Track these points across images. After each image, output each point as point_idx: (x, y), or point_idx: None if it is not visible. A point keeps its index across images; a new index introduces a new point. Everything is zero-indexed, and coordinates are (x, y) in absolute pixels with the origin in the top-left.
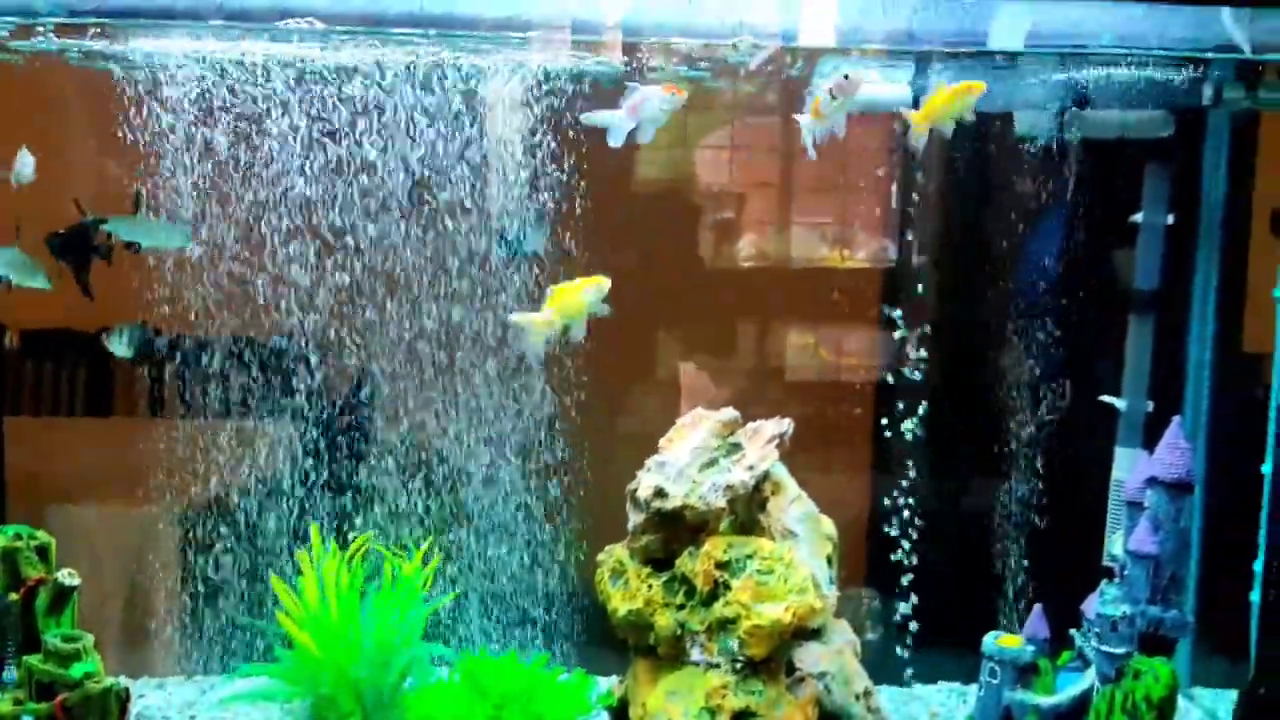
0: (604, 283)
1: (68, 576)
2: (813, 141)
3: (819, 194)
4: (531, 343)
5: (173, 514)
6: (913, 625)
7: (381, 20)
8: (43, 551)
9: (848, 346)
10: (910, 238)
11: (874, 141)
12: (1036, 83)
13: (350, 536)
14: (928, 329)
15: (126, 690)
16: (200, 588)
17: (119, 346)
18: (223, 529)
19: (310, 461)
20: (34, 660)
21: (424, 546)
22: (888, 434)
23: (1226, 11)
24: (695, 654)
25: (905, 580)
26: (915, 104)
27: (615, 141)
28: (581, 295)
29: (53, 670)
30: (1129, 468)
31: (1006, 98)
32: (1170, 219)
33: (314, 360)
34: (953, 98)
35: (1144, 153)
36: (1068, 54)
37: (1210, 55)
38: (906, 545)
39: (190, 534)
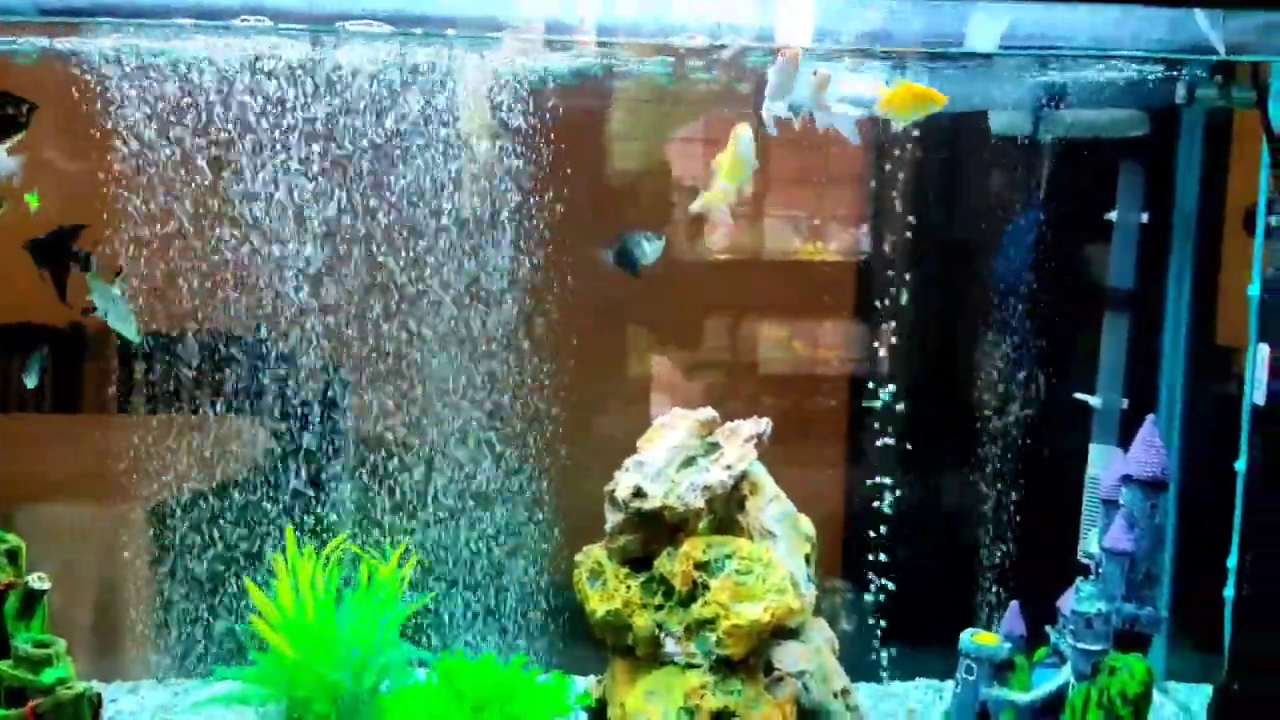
0: (744, 129)
1: (38, 580)
2: (773, 120)
3: (793, 187)
4: (723, 213)
5: (145, 515)
6: (890, 622)
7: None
8: (13, 555)
9: (822, 340)
10: (884, 232)
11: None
12: (1012, 82)
13: (326, 538)
14: (901, 323)
15: (99, 696)
16: (173, 590)
17: (29, 378)
18: (195, 531)
19: (284, 462)
20: (4, 666)
21: (400, 548)
22: (862, 430)
23: (1200, 13)
24: (672, 650)
25: (882, 577)
26: None
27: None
28: (739, 153)
29: (23, 676)
30: (1104, 465)
31: (983, 97)
32: (1145, 217)
33: (289, 357)
34: (913, 100)
35: (1118, 151)
36: (1042, 55)
37: (1184, 56)
38: (883, 542)
39: (162, 535)
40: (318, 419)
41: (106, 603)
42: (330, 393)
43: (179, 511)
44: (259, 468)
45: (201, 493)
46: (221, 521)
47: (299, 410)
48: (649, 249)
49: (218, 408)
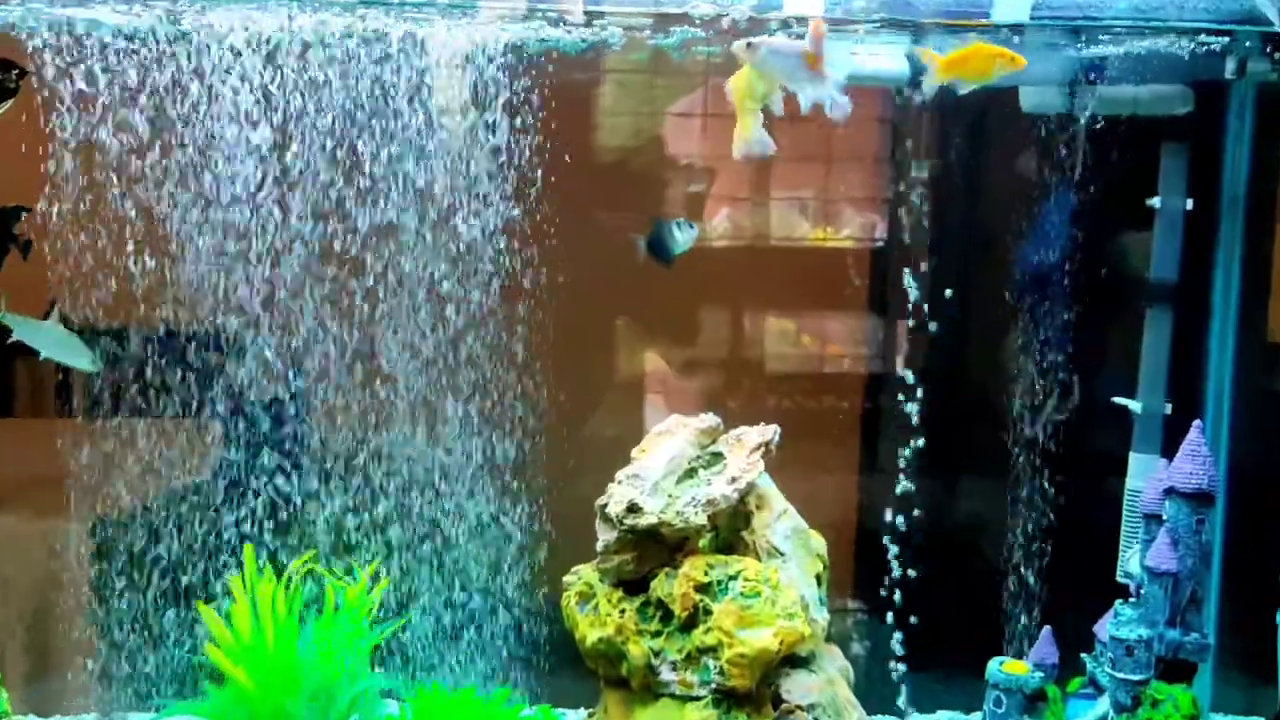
0: (750, 45)
1: None
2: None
3: (802, 166)
4: (764, 143)
5: (87, 534)
6: (909, 649)
7: None
8: None
9: (833, 336)
10: (902, 218)
11: (864, 113)
12: (1044, 56)
13: (288, 557)
14: (919, 318)
15: None
16: (117, 616)
17: None
18: (143, 550)
19: (244, 474)
20: None
21: (369, 569)
22: (877, 436)
23: None
24: (670, 681)
25: (900, 599)
26: (913, 78)
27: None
28: (755, 65)
29: None
30: (1145, 476)
31: (1015, 73)
32: (1189, 203)
33: (250, 360)
34: (989, 59)
35: (1161, 131)
36: (1077, 26)
37: (1234, 26)
38: (901, 560)
39: (105, 555)
40: (279, 427)
41: (44, 630)
42: (293, 397)
43: (124, 529)
44: (216, 480)
45: (151, 508)
46: (173, 539)
47: (260, 417)
48: (681, 237)
49: (173, 412)
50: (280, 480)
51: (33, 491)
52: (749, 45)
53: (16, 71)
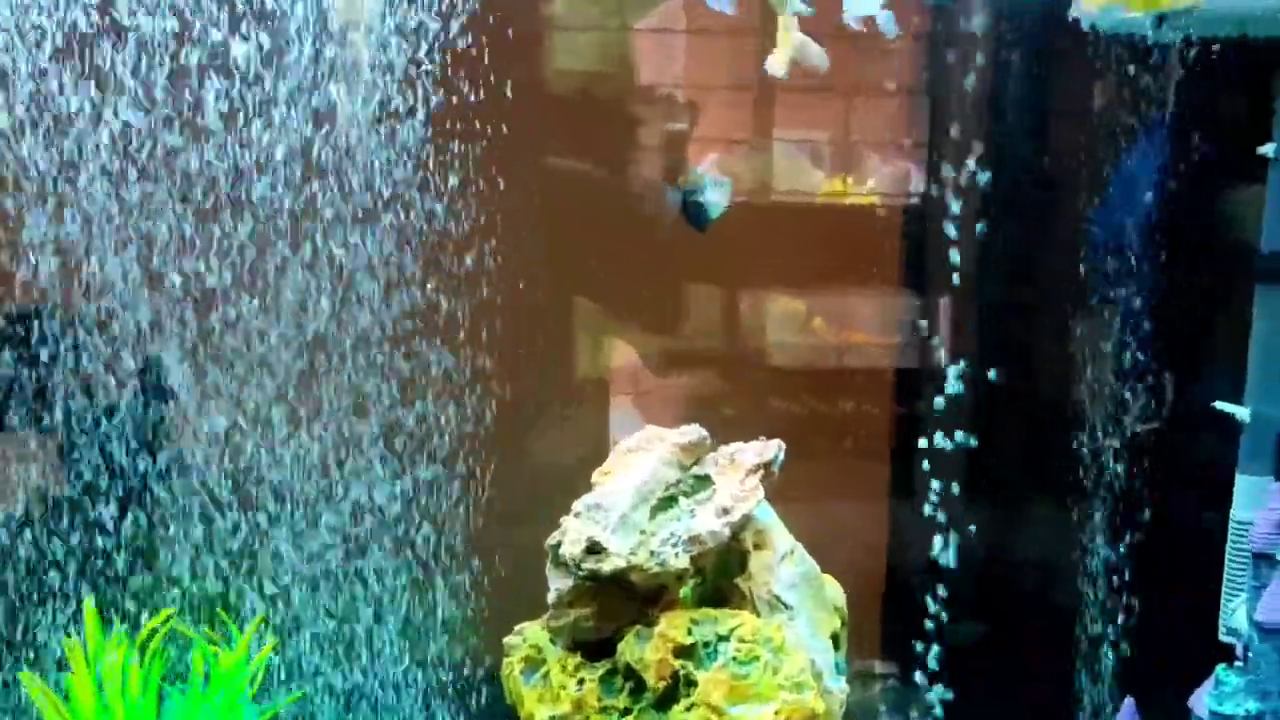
0: None
1: None
2: None
3: (814, 98)
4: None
5: None
6: None
7: None
8: None
9: (852, 319)
10: (942, 166)
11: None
12: None
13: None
14: (963, 298)
15: None
16: None
17: None
18: None
19: (81, 499)
20: None
21: (250, 629)
22: (913, 452)
23: None
24: None
25: (942, 662)
26: None
27: None
28: None
29: None
30: (1257, 504)
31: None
32: None
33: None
34: None
35: (1276, 59)
36: None
37: None
38: (942, 613)
39: None
40: (132, 434)
41: None
42: (150, 398)
43: None
44: (42, 506)
45: None
46: None
47: (106, 423)
48: (714, 195)
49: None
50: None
51: None
52: None
53: None
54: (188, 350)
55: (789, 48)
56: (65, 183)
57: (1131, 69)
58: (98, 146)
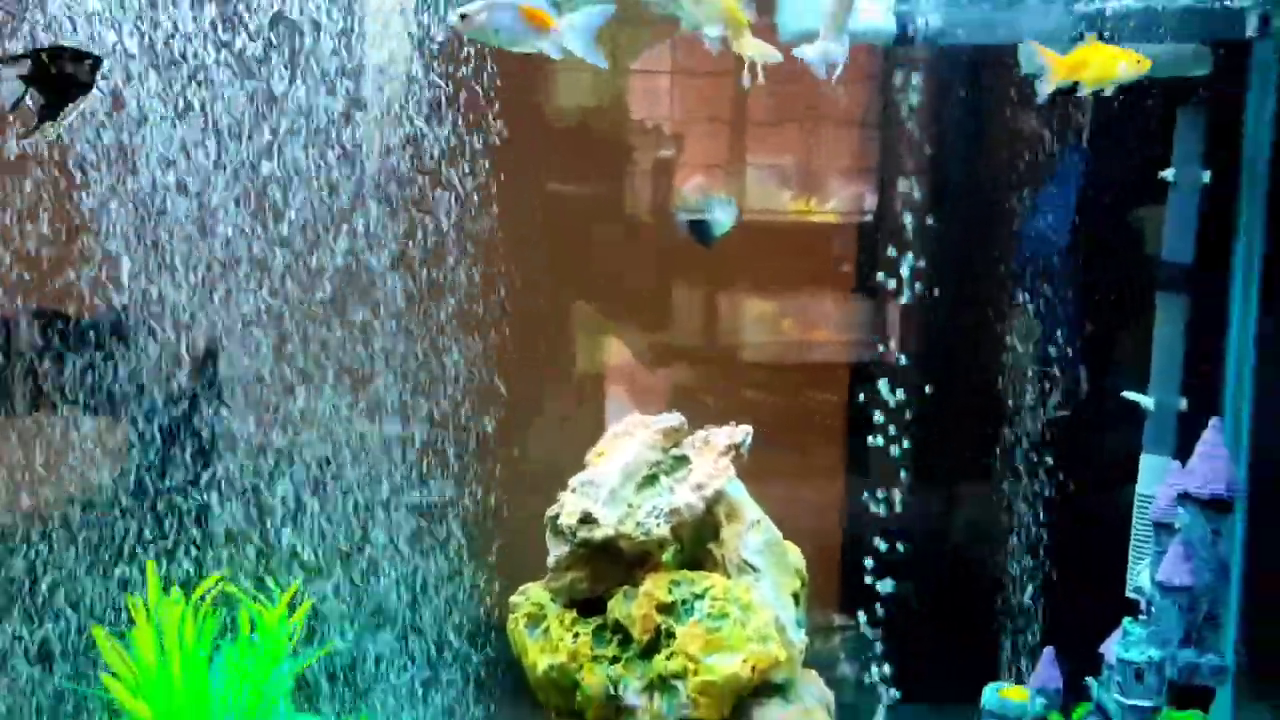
0: None
1: None
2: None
3: (782, 130)
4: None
5: None
6: (898, 674)
7: None
8: None
9: (817, 319)
10: (891, 192)
11: (852, 73)
12: (1045, 11)
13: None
14: (909, 303)
15: None
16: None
17: None
18: (27, 565)
19: (143, 479)
20: None
21: (291, 588)
22: (862, 436)
23: None
24: (631, 711)
25: (888, 617)
26: (900, 39)
27: None
28: None
29: None
30: (1157, 480)
31: (1011, 28)
32: (1206, 176)
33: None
34: (1112, 60)
35: (1176, 96)
36: None
37: None
38: (888, 574)
39: None
40: (186, 422)
41: None
42: (202, 389)
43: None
44: (112, 485)
45: (36, 514)
46: (62, 552)
47: (165, 412)
48: (722, 215)
49: (58, 408)
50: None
51: None
52: (463, 18)
53: (90, 61)
54: None
55: (752, 53)
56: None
57: (1054, 104)
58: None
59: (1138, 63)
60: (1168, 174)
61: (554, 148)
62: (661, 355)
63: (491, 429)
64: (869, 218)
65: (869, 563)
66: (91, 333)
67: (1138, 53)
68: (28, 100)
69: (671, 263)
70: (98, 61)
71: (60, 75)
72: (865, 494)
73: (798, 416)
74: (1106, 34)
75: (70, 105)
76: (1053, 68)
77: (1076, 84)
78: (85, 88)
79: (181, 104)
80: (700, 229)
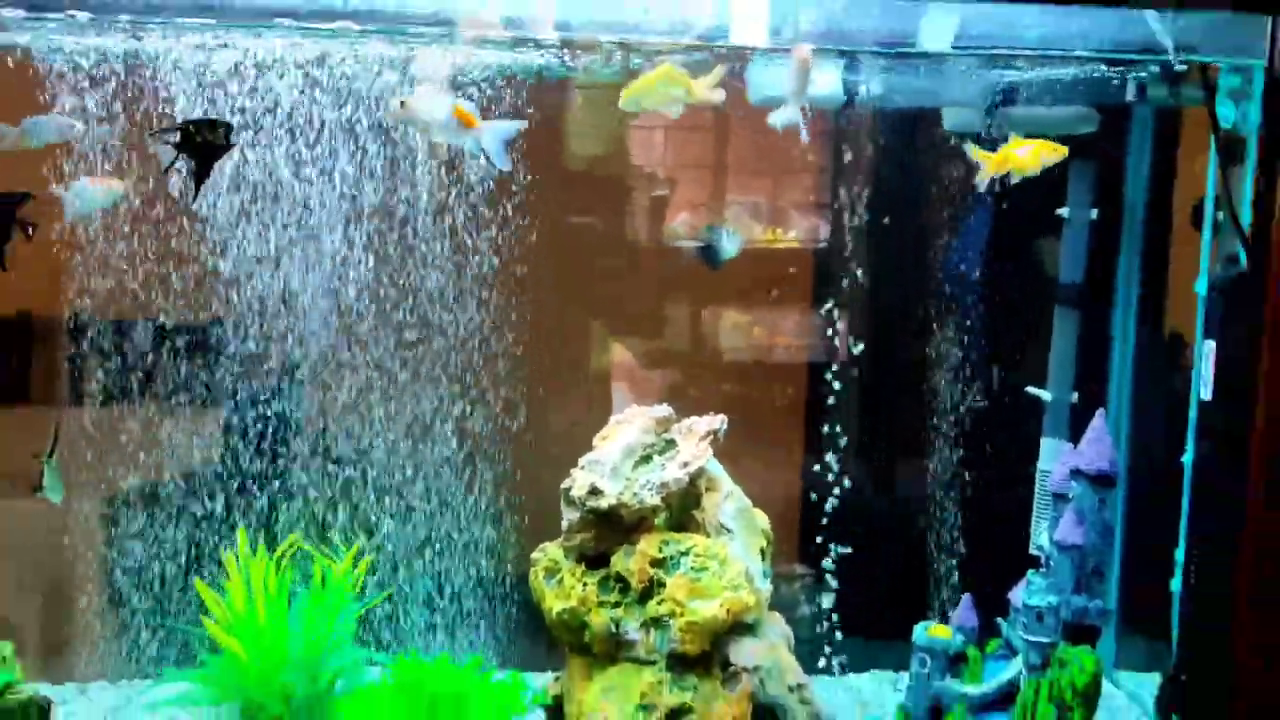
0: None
1: None
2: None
3: (753, 177)
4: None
5: (92, 512)
6: (844, 616)
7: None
8: None
9: (781, 328)
10: (842, 225)
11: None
12: (964, 80)
13: (278, 536)
14: (856, 315)
15: (48, 700)
16: (123, 590)
17: None
18: (145, 529)
19: (235, 458)
20: None
21: (354, 547)
22: (815, 422)
23: (1149, 13)
24: (629, 645)
25: (837, 571)
26: (847, 102)
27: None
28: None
29: None
30: (1054, 459)
31: (936, 94)
32: (1095, 213)
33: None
34: (1036, 153)
35: (1069, 148)
36: (993, 54)
37: (1133, 56)
38: (838, 536)
39: (111, 534)
40: (270, 416)
41: (55, 604)
42: (280, 386)
43: (128, 509)
44: (211, 464)
45: (151, 490)
46: (172, 520)
47: (252, 406)
48: (729, 245)
49: (167, 402)
50: (274, 467)
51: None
52: (402, 104)
53: (224, 128)
54: None
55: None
56: None
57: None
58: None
59: (1054, 150)
60: (1063, 211)
61: (569, 187)
62: (656, 358)
63: (523, 417)
64: (824, 244)
65: (822, 525)
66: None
67: (1052, 141)
68: (179, 164)
69: (664, 283)
70: (230, 127)
71: (204, 141)
72: (819, 469)
73: (764, 407)
74: (1015, 98)
75: (214, 165)
76: (987, 165)
77: (1008, 174)
78: (225, 150)
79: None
80: (709, 254)
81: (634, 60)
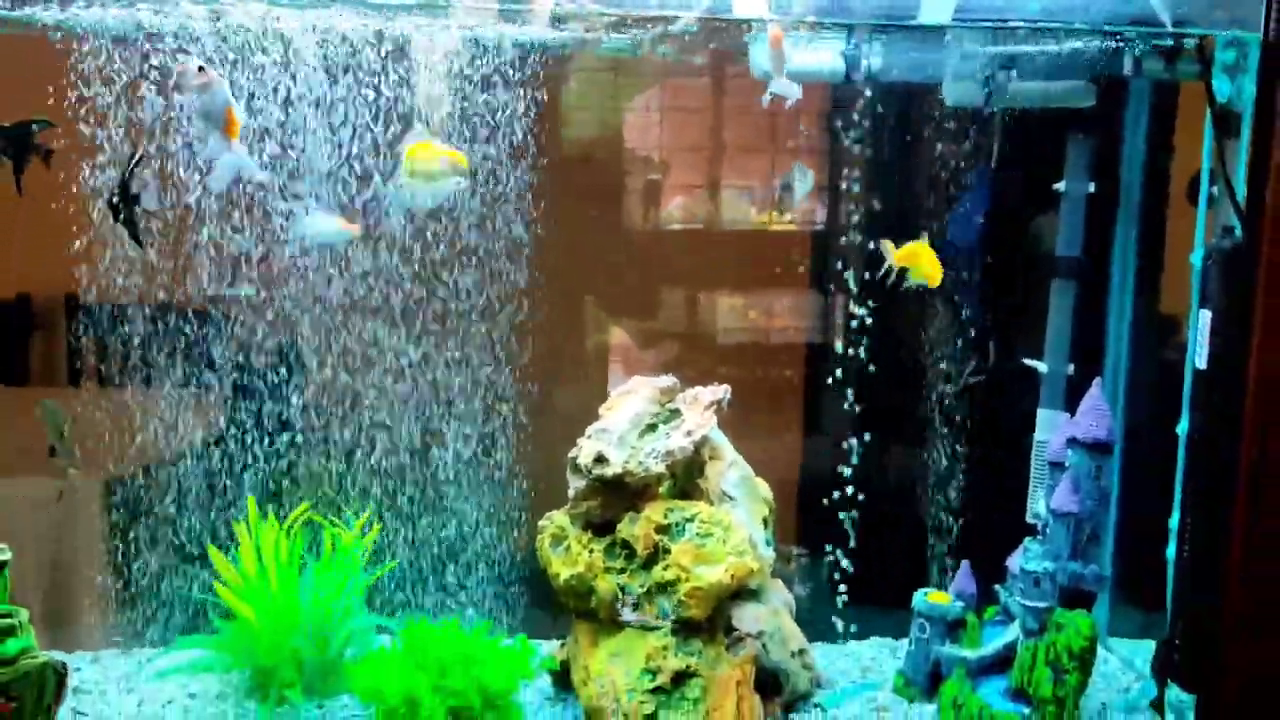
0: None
1: None
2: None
3: (749, 157)
4: None
5: (101, 484)
6: (845, 583)
7: None
8: None
9: (778, 309)
10: (840, 201)
11: (805, 107)
12: (964, 54)
13: (287, 506)
14: (855, 291)
15: (64, 665)
16: (134, 560)
17: None
18: (155, 499)
19: (243, 429)
20: None
21: (363, 517)
22: (816, 395)
23: None
24: (629, 615)
25: (838, 538)
26: (848, 77)
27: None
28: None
29: None
30: (1051, 429)
31: (935, 68)
32: (1091, 187)
33: (240, 322)
34: (935, 271)
35: (1067, 122)
36: (993, 27)
37: (1131, 29)
38: (840, 505)
39: (122, 505)
40: (275, 391)
41: (68, 573)
42: (287, 363)
43: (140, 482)
44: (221, 438)
45: (160, 463)
46: (184, 491)
47: (255, 381)
48: (802, 184)
49: (171, 379)
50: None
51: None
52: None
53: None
54: None
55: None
56: None
57: (970, 129)
58: None
59: (935, 278)
60: (1060, 186)
61: (570, 172)
62: (651, 339)
63: (534, 391)
64: (820, 227)
65: (822, 494)
66: None
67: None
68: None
69: (661, 265)
70: (42, 123)
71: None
72: (819, 442)
73: (765, 384)
74: (1013, 70)
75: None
76: (891, 258)
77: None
78: (35, 148)
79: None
80: (786, 193)
81: (635, 35)
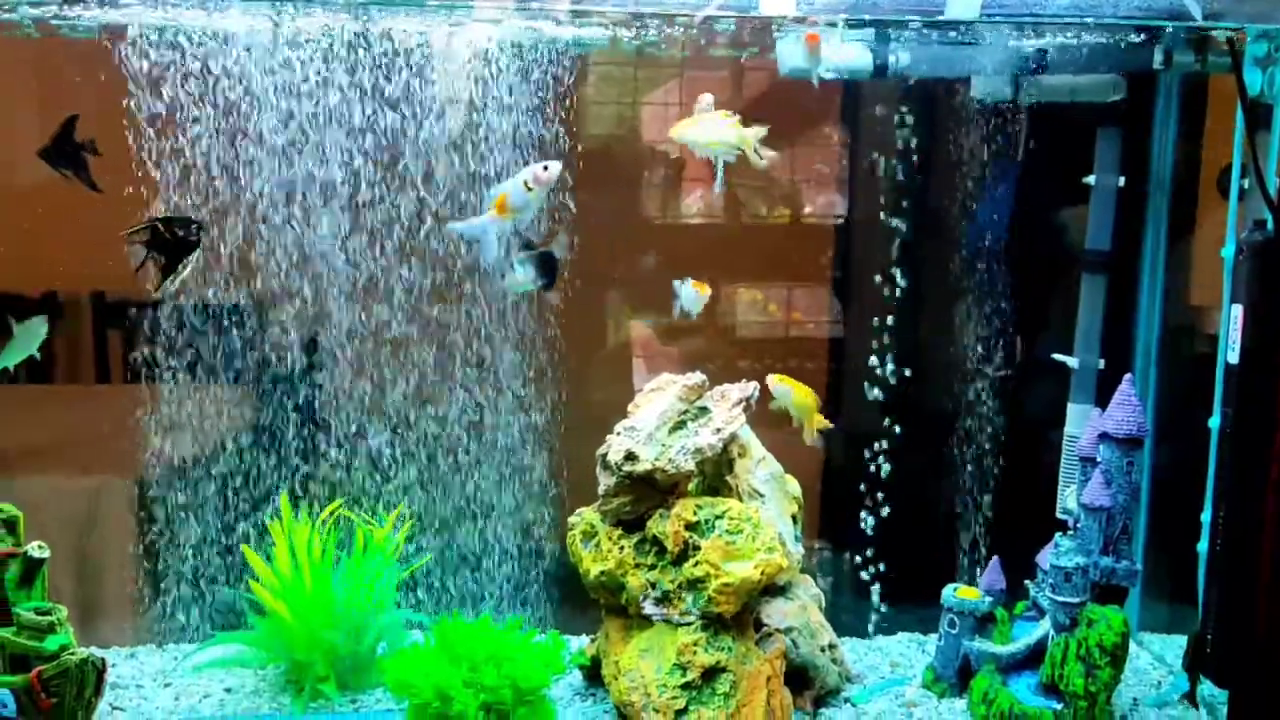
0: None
1: (38, 549)
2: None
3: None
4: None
5: (138, 483)
6: (875, 579)
7: None
8: (11, 525)
9: (797, 303)
10: (866, 196)
11: (828, 102)
12: (993, 49)
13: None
14: (883, 286)
15: (103, 661)
16: (169, 557)
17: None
18: (192, 497)
19: (277, 428)
20: (7, 634)
21: (394, 513)
22: (843, 391)
23: None
24: (651, 609)
25: (868, 534)
26: (878, 71)
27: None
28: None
29: (27, 643)
30: (1081, 424)
31: (965, 63)
32: (1121, 181)
33: (283, 323)
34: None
35: (1096, 116)
36: (1023, 21)
37: (1161, 23)
38: (868, 503)
39: (157, 503)
40: (307, 389)
41: (104, 570)
42: (314, 362)
43: (175, 479)
44: (256, 435)
45: (196, 460)
46: (219, 489)
47: (291, 378)
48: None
49: (207, 376)
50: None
51: (91, 448)
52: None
53: (195, 225)
54: None
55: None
56: None
57: (997, 122)
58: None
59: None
60: (1090, 179)
61: (590, 166)
62: (673, 333)
63: (564, 388)
64: (840, 220)
65: (851, 491)
66: None
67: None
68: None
69: (680, 260)
70: (200, 225)
71: (174, 239)
72: (846, 440)
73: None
74: (1044, 65)
75: (183, 263)
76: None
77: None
78: (193, 247)
79: None
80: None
81: (663, 30)
